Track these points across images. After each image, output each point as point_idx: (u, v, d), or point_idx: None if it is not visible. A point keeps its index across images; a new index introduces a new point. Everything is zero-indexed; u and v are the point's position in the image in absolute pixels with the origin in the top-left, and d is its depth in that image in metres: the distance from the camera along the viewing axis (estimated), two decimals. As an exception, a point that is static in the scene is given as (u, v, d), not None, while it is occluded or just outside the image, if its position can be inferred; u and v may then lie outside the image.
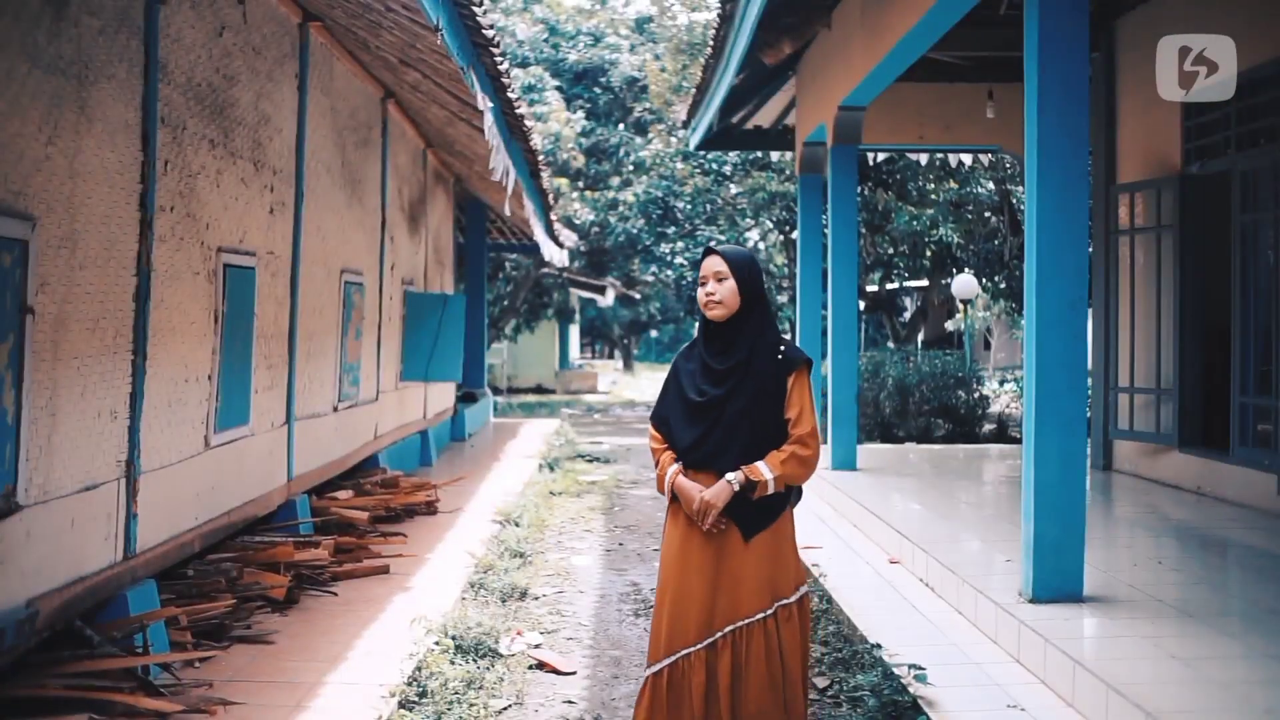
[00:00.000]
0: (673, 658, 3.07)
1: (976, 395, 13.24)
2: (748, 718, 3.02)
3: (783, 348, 3.13)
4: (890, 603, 5.34)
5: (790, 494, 3.19)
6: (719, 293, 3.11)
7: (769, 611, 3.06)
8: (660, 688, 3.07)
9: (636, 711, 3.15)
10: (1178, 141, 7.90)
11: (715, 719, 3.04)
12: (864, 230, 16.10)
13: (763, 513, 3.11)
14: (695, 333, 3.32)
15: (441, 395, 12.02)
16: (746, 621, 3.05)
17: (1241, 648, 4.06)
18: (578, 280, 23.93)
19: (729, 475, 3.05)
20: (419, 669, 4.18)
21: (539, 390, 26.26)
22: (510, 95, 6.80)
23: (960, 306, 19.18)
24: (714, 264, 3.14)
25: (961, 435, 12.67)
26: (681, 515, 3.16)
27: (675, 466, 3.17)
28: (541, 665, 4.62)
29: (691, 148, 13.69)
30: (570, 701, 4.21)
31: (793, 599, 3.12)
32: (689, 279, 20.22)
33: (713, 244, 3.28)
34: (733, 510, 3.08)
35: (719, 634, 3.05)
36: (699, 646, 3.05)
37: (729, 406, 3.09)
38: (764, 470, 3.04)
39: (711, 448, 3.11)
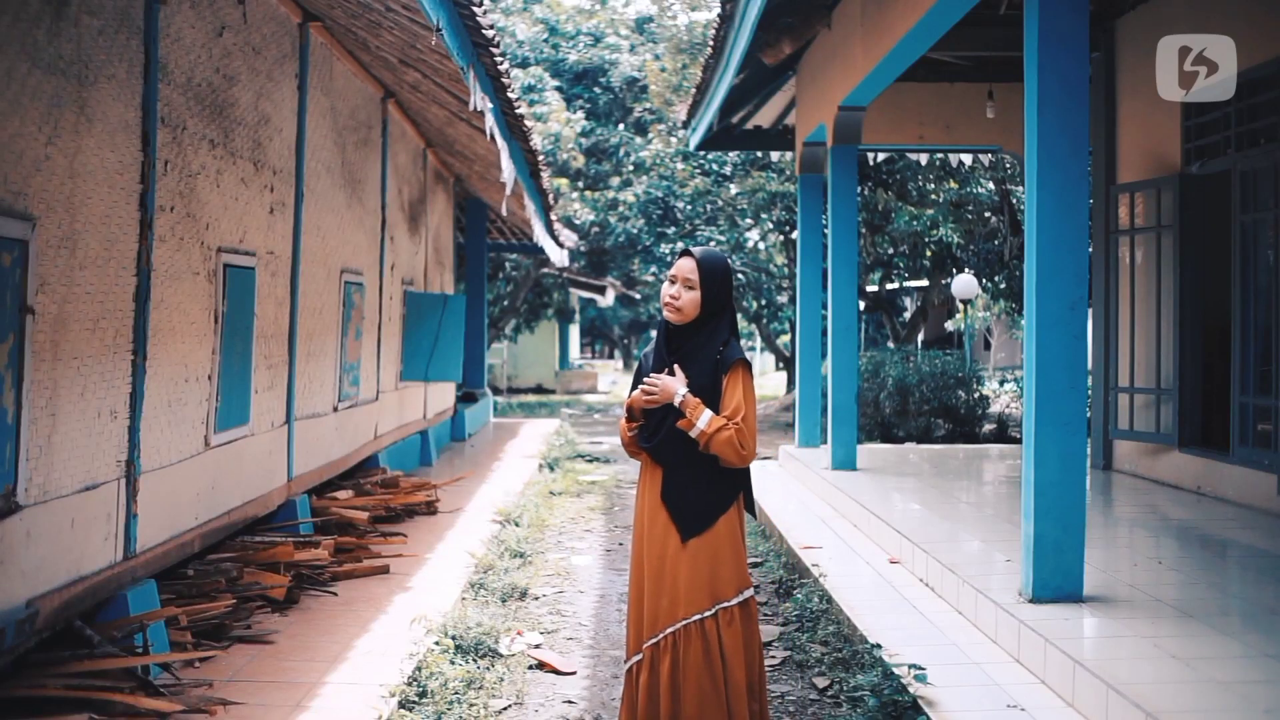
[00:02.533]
0: (637, 656, 3.16)
1: (976, 395, 13.24)
2: (691, 718, 3.02)
3: (721, 349, 3.16)
4: (890, 603, 5.33)
5: (722, 499, 3.18)
6: (681, 299, 3.15)
7: (708, 613, 3.08)
8: (631, 684, 3.18)
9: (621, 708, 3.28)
10: (1178, 141, 7.90)
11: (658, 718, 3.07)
12: (864, 230, 16.10)
13: (701, 514, 3.13)
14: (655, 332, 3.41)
15: (441, 395, 12.02)
16: (685, 622, 3.07)
17: (1241, 648, 4.06)
18: (578, 280, 23.94)
19: (682, 390, 3.10)
20: (419, 669, 4.19)
21: (539, 390, 26.26)
22: (510, 95, 6.80)
23: (960, 306, 19.18)
24: (687, 269, 3.15)
25: (961, 435, 12.67)
26: (638, 512, 3.25)
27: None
28: (541, 665, 4.63)
29: (691, 148, 13.68)
30: (570, 701, 4.22)
31: (734, 601, 3.12)
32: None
33: (691, 248, 3.28)
34: (674, 509, 3.14)
35: (660, 635, 3.09)
36: (645, 645, 3.12)
37: (671, 407, 3.15)
38: (703, 419, 3.07)
39: (659, 443, 3.18)
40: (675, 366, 3.16)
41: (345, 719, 3.73)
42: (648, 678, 3.08)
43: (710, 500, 3.14)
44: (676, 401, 3.10)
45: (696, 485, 3.15)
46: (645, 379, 3.18)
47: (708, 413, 3.08)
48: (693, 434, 3.08)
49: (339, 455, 7.53)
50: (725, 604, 3.10)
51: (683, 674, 3.05)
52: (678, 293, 3.14)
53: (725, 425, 3.07)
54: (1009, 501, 7.45)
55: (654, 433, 3.19)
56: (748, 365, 3.18)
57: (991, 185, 15.92)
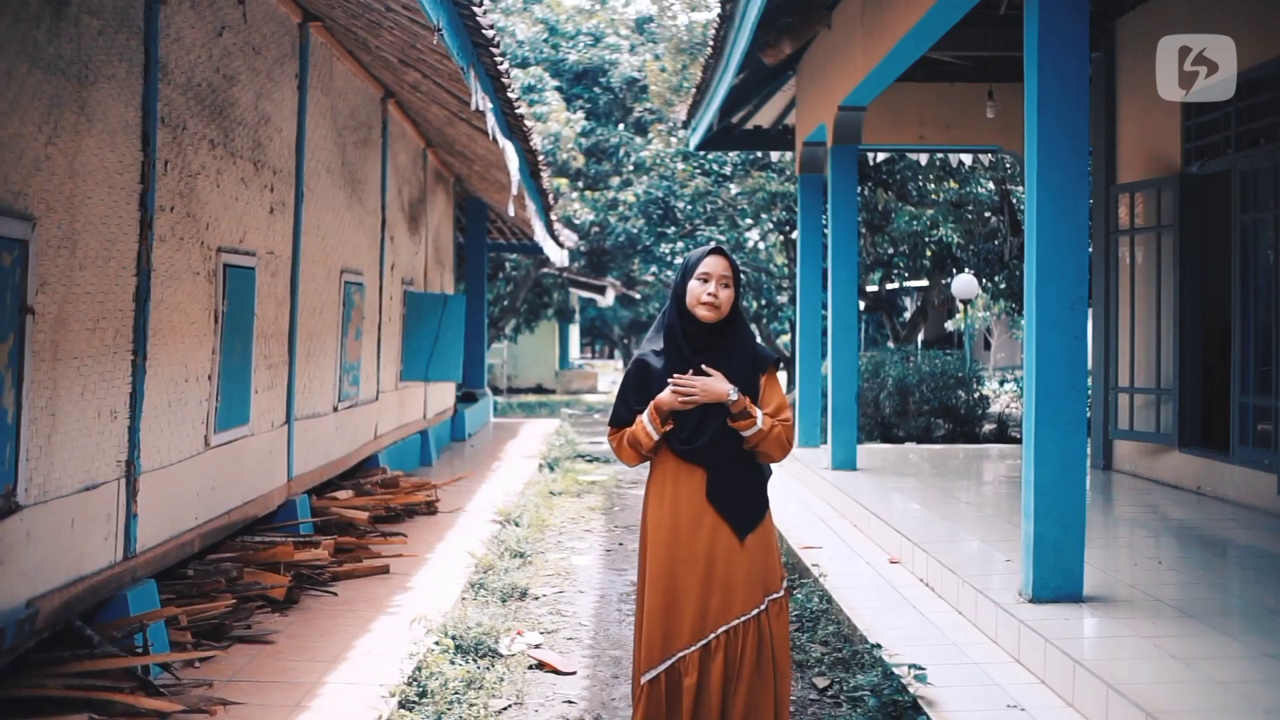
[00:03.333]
0: (669, 661, 3.06)
1: (976, 395, 13.24)
2: (740, 715, 3.02)
3: (757, 349, 3.17)
4: (890, 603, 5.34)
5: (766, 493, 3.21)
6: (720, 298, 3.09)
7: (761, 607, 3.07)
8: (658, 693, 3.06)
9: (634, 716, 3.13)
10: (1178, 141, 7.90)
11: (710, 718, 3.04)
12: (864, 230, 16.10)
13: (755, 511, 3.13)
14: (657, 331, 3.22)
15: (441, 395, 12.02)
16: (741, 619, 3.05)
17: (1241, 648, 4.06)
18: (578, 280, 23.93)
19: (732, 388, 3.04)
20: (419, 669, 4.18)
21: (539, 390, 26.26)
22: (510, 95, 6.80)
23: (960, 306, 19.18)
24: (723, 267, 3.10)
25: (961, 435, 12.67)
26: (667, 515, 3.13)
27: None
28: (541, 665, 4.62)
29: (691, 148, 13.69)
30: (570, 701, 4.21)
31: (780, 592, 3.14)
32: (689, 279, 20.20)
33: (718, 245, 3.25)
34: (727, 509, 3.08)
35: (712, 635, 3.04)
36: (693, 648, 3.05)
37: (709, 408, 3.09)
38: (761, 417, 3.06)
39: (706, 443, 3.09)
40: (702, 366, 3.09)
41: (345, 719, 3.73)
42: (695, 681, 3.02)
43: (761, 498, 3.16)
44: (731, 399, 3.04)
45: (747, 483, 3.13)
46: (675, 379, 3.06)
47: (760, 413, 3.08)
48: (750, 432, 3.05)
49: (339, 455, 7.53)
50: (775, 595, 3.11)
51: (736, 670, 3.03)
52: (715, 290, 3.08)
53: (775, 424, 3.08)
54: (1009, 501, 7.45)
55: (694, 434, 3.11)
56: (779, 364, 3.22)
57: (991, 185, 15.92)
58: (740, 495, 3.11)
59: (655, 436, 3.11)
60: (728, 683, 3.04)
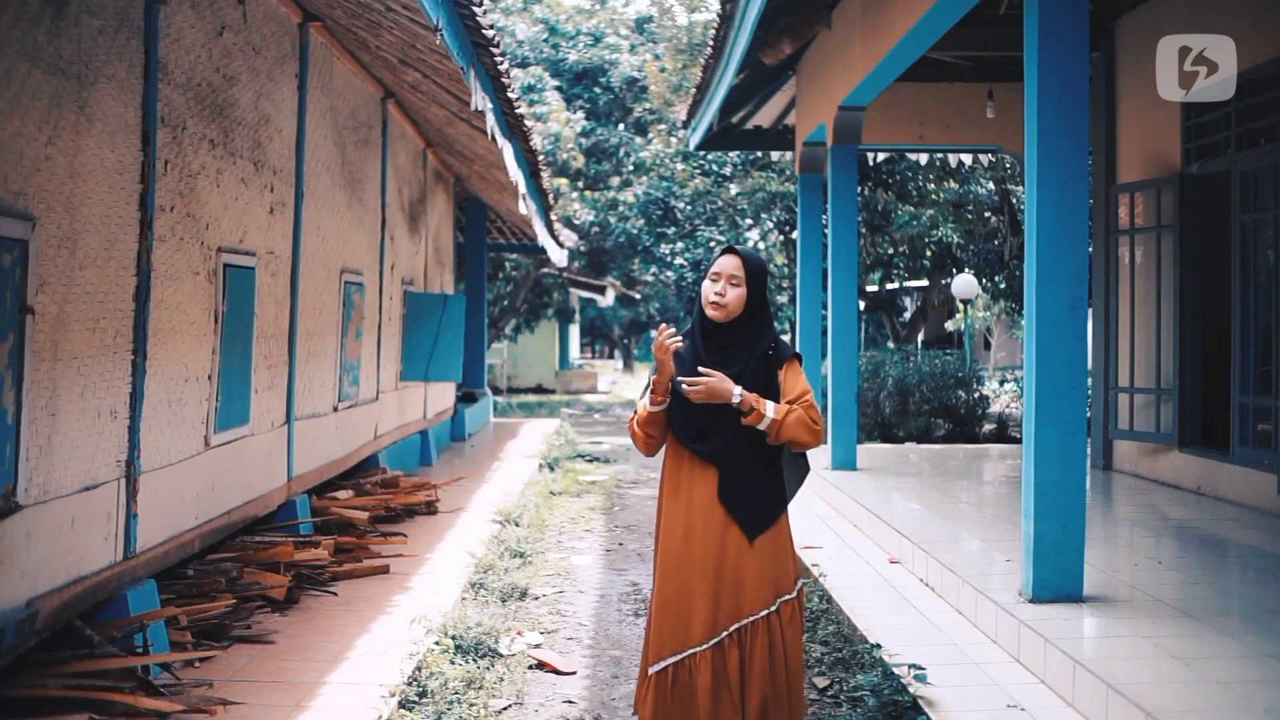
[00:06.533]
0: (677, 656, 3.07)
1: (976, 395, 13.24)
2: (754, 713, 3.03)
3: (774, 346, 3.15)
4: (890, 603, 5.34)
5: (783, 496, 3.21)
6: (727, 297, 3.09)
7: (773, 608, 3.08)
8: (665, 686, 3.07)
9: (641, 710, 3.15)
10: (1178, 141, 7.90)
11: (723, 718, 3.05)
12: (864, 230, 16.10)
13: (767, 513, 3.12)
14: (684, 329, 3.27)
15: (441, 395, 12.02)
16: (751, 619, 3.06)
17: (1241, 648, 4.06)
18: (578, 280, 23.93)
19: (736, 389, 3.03)
20: (419, 669, 4.18)
21: (539, 390, 26.25)
22: (510, 95, 6.80)
23: (960, 306, 19.18)
24: (732, 266, 3.10)
25: (961, 435, 12.67)
26: (681, 512, 3.15)
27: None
28: (541, 665, 4.62)
29: (691, 148, 13.68)
30: (570, 701, 4.21)
31: (793, 594, 3.15)
32: (689, 279, 20.25)
33: (735, 245, 3.25)
34: (738, 510, 3.09)
35: (724, 634, 3.05)
36: (704, 647, 3.05)
37: (721, 408, 3.08)
38: (770, 408, 3.04)
39: (720, 445, 3.10)
40: (699, 370, 3.07)
41: (345, 719, 3.73)
42: (709, 681, 3.03)
43: (774, 499, 3.14)
44: (735, 401, 3.03)
45: (760, 485, 3.13)
46: (683, 380, 3.07)
47: (771, 403, 3.05)
48: (763, 425, 3.03)
49: (339, 455, 7.53)
50: (786, 597, 3.12)
51: (749, 669, 3.04)
52: (723, 289, 3.09)
53: (792, 410, 3.04)
54: (1009, 501, 7.45)
55: (704, 434, 3.12)
56: (800, 359, 3.19)
57: (991, 185, 15.92)
58: (751, 497, 3.11)
59: (648, 408, 3.17)
60: (742, 682, 3.05)
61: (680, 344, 3.09)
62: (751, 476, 3.12)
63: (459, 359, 10.11)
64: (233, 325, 5.36)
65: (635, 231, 19.36)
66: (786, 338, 25.05)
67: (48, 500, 3.68)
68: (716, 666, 3.05)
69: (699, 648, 3.05)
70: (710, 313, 3.12)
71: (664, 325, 3.08)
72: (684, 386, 3.06)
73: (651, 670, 3.11)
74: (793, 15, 8.65)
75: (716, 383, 3.04)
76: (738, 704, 3.04)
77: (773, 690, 3.05)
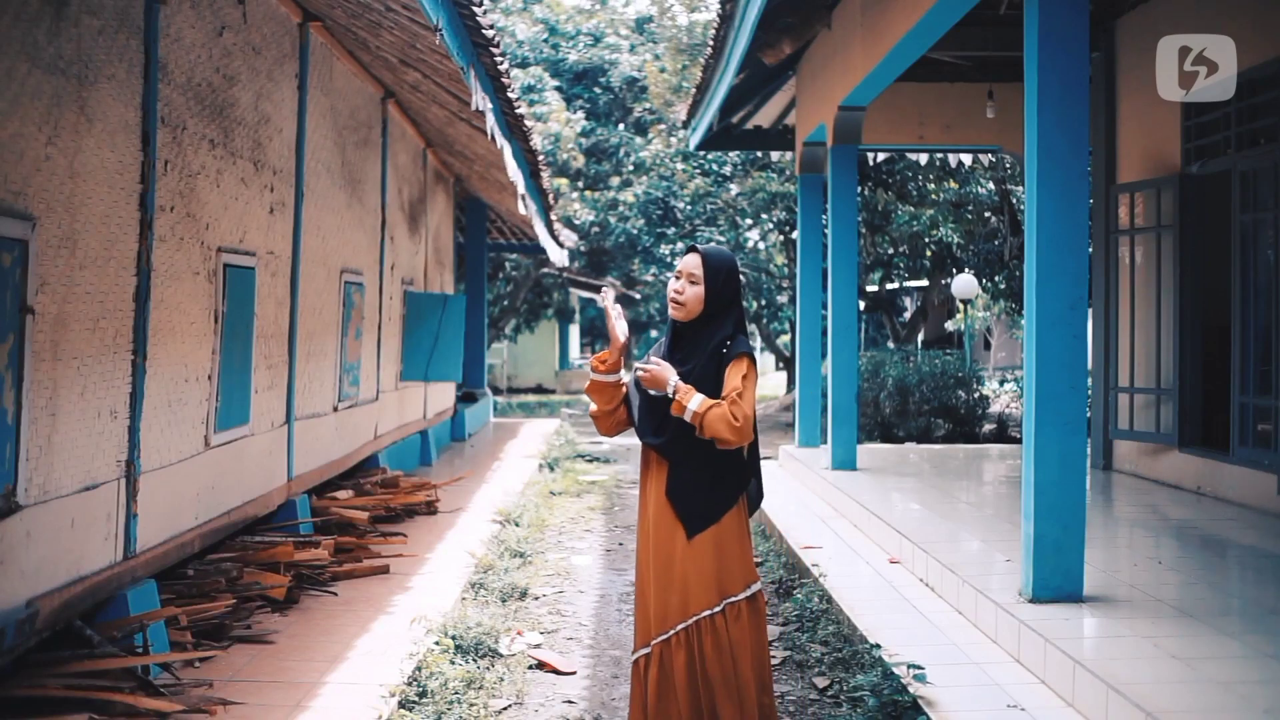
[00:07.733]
0: (645, 649, 3.18)
1: (976, 395, 13.24)
2: (707, 712, 3.08)
3: (728, 344, 3.16)
4: (890, 603, 5.33)
5: (727, 495, 3.19)
6: (685, 294, 3.17)
7: (717, 609, 3.10)
8: (639, 675, 3.19)
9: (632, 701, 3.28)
10: (1178, 141, 7.90)
11: (670, 714, 3.10)
12: (864, 230, 16.10)
13: (706, 511, 3.15)
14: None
15: (441, 395, 12.02)
16: (696, 618, 3.10)
17: (1241, 648, 4.06)
18: (578, 280, 23.93)
19: (674, 379, 3.12)
20: (419, 669, 4.19)
21: (539, 390, 26.26)
22: (510, 95, 6.80)
23: (960, 306, 19.18)
24: (691, 265, 3.19)
25: (961, 435, 12.67)
26: (643, 509, 3.26)
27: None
28: (541, 665, 4.63)
29: (691, 148, 13.68)
30: (570, 701, 4.22)
31: (741, 596, 3.15)
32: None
33: (698, 244, 3.28)
34: (680, 506, 3.15)
35: (671, 631, 3.11)
36: (655, 642, 3.13)
37: (665, 401, 3.16)
38: (694, 401, 3.07)
39: (666, 442, 3.17)
40: (660, 361, 3.18)
41: (345, 719, 3.73)
42: (657, 673, 3.10)
43: (716, 497, 3.15)
44: (669, 389, 3.10)
45: (702, 482, 3.15)
46: (639, 361, 3.22)
47: (699, 396, 3.07)
48: (686, 417, 3.07)
49: (339, 455, 7.53)
50: (732, 599, 3.13)
51: (699, 668, 3.08)
52: (681, 288, 3.17)
53: (715, 405, 3.05)
54: (1009, 501, 7.44)
55: (659, 429, 3.18)
56: (753, 359, 3.19)
57: (991, 185, 15.92)
58: (693, 494, 3.15)
59: (592, 375, 3.31)
60: (691, 680, 3.09)
61: (623, 312, 3.23)
62: (695, 473, 3.16)
63: (459, 359, 10.11)
64: (233, 325, 5.36)
65: (635, 232, 19.35)
66: (786, 338, 25.20)
67: (48, 500, 3.68)
68: (665, 663, 3.11)
69: (654, 641, 3.14)
70: (670, 310, 3.22)
71: (604, 290, 3.18)
72: (638, 372, 3.18)
73: (632, 658, 3.25)
74: (793, 15, 8.65)
75: (660, 371, 3.13)
76: (682, 705, 3.07)
77: (724, 694, 3.08)
